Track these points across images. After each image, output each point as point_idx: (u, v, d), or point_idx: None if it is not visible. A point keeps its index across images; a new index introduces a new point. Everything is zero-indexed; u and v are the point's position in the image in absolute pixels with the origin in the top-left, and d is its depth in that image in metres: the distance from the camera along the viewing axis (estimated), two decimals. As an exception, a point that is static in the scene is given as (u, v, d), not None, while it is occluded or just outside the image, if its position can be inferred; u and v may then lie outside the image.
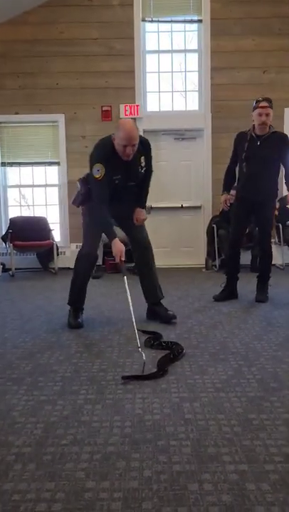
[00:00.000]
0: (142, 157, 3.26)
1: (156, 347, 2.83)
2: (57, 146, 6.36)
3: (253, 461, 1.63)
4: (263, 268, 4.19)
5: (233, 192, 5.82)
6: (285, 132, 4.00)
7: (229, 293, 4.17)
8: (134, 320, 2.85)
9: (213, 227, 6.11)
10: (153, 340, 2.89)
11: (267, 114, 3.78)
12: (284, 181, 3.94)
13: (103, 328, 3.35)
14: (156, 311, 3.48)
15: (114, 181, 3.16)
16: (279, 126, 5.92)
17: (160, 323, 3.40)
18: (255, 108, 3.84)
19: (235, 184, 4.17)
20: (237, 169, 4.12)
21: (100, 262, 5.67)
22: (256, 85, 6.10)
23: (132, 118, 3.25)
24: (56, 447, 1.74)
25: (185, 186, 6.33)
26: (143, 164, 3.28)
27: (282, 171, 3.95)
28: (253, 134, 3.89)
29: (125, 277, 3.02)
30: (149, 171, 3.38)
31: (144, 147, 3.28)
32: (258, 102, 3.83)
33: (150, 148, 3.36)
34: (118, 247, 3.08)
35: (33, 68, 6.16)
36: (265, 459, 1.64)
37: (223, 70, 6.17)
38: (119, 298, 4.36)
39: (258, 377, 2.38)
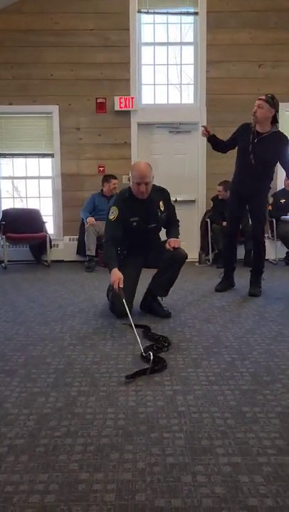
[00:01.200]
0: (161, 202, 3.45)
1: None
2: (51, 138, 6.31)
3: (246, 453, 1.63)
4: (256, 261, 4.22)
5: (219, 188, 5.86)
6: (285, 134, 4.00)
7: (228, 283, 4.31)
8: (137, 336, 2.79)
9: (207, 221, 6.11)
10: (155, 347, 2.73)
11: (259, 106, 3.82)
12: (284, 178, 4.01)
13: (96, 321, 3.34)
14: (152, 305, 3.48)
15: (132, 223, 3.36)
16: (274, 121, 5.95)
17: (154, 317, 3.40)
18: None
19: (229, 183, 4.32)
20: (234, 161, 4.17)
21: (93, 253, 5.67)
22: (252, 79, 6.10)
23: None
24: (49, 439, 1.73)
25: (179, 180, 6.31)
26: (162, 208, 3.45)
27: (283, 172, 4.12)
28: (254, 130, 3.92)
29: (124, 300, 3.03)
30: (173, 220, 3.56)
31: (163, 194, 3.49)
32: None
33: (169, 196, 3.53)
34: (116, 275, 3.15)
35: (27, 58, 6.10)
36: (258, 451, 1.64)
37: (218, 63, 6.15)
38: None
39: (251, 371, 2.38)
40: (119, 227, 3.34)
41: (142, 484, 1.46)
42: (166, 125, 6.36)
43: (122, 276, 3.15)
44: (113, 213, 3.35)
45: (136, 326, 2.92)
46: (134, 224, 3.37)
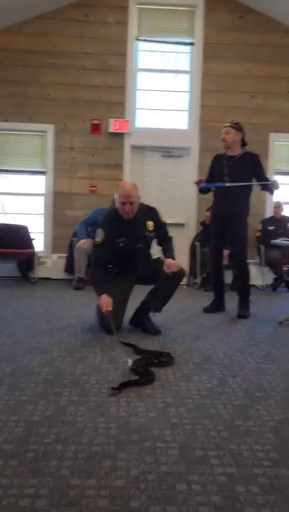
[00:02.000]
0: (150, 222, 3.42)
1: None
2: (44, 156, 6.35)
3: (241, 464, 1.60)
4: (242, 284, 4.27)
5: (207, 213, 5.94)
6: (256, 152, 4.22)
7: (218, 306, 4.32)
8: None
9: (196, 244, 6.15)
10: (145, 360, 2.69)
11: (226, 132, 4.11)
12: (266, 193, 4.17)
13: (85, 335, 3.30)
14: (144, 321, 3.45)
15: (119, 244, 3.34)
16: (264, 150, 6.12)
17: (143, 333, 3.38)
18: None
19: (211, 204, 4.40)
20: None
21: (82, 275, 5.62)
22: (244, 109, 6.27)
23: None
24: (39, 445, 1.68)
25: (170, 203, 6.35)
26: (151, 229, 3.42)
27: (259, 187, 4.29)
28: (226, 155, 4.17)
29: (111, 321, 3.06)
30: (166, 237, 3.55)
31: (152, 213, 3.47)
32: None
33: (158, 215, 3.51)
34: (105, 299, 3.17)
35: (25, 78, 6.18)
36: (253, 463, 1.61)
37: (212, 92, 6.32)
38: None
39: (243, 387, 2.36)
40: (106, 250, 3.36)
41: (135, 491, 1.42)
42: (159, 149, 6.46)
43: (110, 300, 3.15)
44: (99, 235, 3.36)
45: (127, 344, 2.92)
46: (121, 244, 3.35)
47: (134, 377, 2.39)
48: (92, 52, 6.23)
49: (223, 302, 4.34)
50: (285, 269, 6.00)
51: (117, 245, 3.35)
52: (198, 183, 4.33)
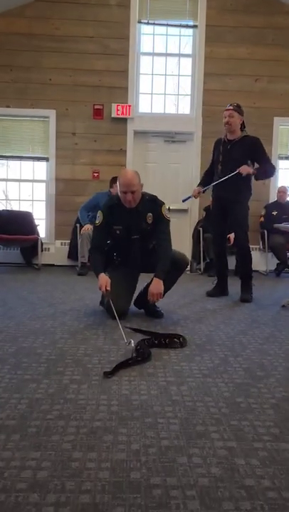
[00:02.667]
0: (150, 214, 3.27)
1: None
2: (46, 142, 6.33)
3: (241, 439, 1.61)
4: (243, 267, 4.26)
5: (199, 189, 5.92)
6: (256, 136, 4.14)
7: (221, 290, 4.31)
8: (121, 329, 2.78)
9: (199, 230, 6.14)
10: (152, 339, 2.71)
11: (229, 115, 4.05)
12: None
13: (88, 318, 3.31)
14: (147, 304, 3.40)
15: (116, 231, 3.29)
16: (268, 134, 6.07)
17: (146, 316, 3.39)
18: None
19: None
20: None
21: (86, 260, 5.62)
22: (247, 93, 6.20)
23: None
24: (41, 421, 1.69)
25: (173, 189, 6.33)
26: (150, 221, 3.28)
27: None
28: (225, 139, 4.14)
29: (111, 301, 3.07)
30: (163, 239, 3.26)
31: (154, 206, 3.29)
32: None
33: (161, 210, 3.29)
34: (103, 278, 3.15)
35: (27, 62, 6.14)
36: (253, 437, 1.62)
37: (215, 76, 6.25)
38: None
39: (244, 366, 2.37)
40: (104, 233, 3.33)
41: (136, 464, 1.43)
42: (161, 134, 6.43)
43: (108, 279, 3.13)
44: (99, 218, 3.33)
45: (137, 330, 2.94)
46: (118, 232, 3.30)
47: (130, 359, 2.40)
48: (94, 35, 6.16)
49: (226, 286, 4.33)
50: (288, 254, 5.99)
51: (114, 232, 3.31)
52: (196, 196, 4.44)
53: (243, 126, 4.12)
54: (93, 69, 6.19)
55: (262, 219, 6.16)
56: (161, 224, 3.30)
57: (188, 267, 6.01)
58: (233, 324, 3.26)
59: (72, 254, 6.03)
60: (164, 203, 3.35)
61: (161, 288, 3.12)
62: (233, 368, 2.34)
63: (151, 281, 3.20)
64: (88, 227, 5.56)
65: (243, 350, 2.66)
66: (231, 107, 4.11)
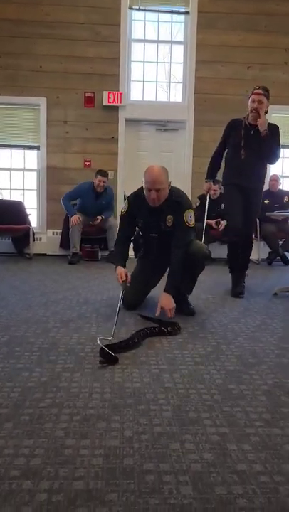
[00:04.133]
0: (171, 216, 3.03)
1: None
2: (37, 130, 6.26)
3: (233, 425, 1.62)
4: (245, 257, 3.96)
5: (215, 186, 5.90)
6: (276, 124, 3.81)
7: (238, 290, 3.86)
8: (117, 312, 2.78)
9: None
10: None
11: (259, 102, 3.66)
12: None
13: (80, 307, 3.31)
14: (179, 301, 3.17)
15: (138, 223, 3.19)
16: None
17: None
18: (250, 95, 3.75)
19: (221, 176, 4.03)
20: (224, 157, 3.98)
21: (77, 250, 5.62)
22: (240, 80, 6.16)
23: (159, 165, 3.04)
24: (34, 409, 1.69)
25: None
26: (170, 224, 3.05)
27: None
28: (247, 123, 3.75)
29: (123, 291, 3.06)
30: (178, 246, 3.01)
31: (177, 208, 3.02)
32: (254, 89, 3.75)
33: (184, 213, 3.01)
34: (120, 270, 3.07)
35: (17, 49, 6.04)
36: (245, 423, 1.64)
37: (207, 63, 6.21)
38: (96, 282, 4.33)
39: (236, 354, 2.38)
40: (128, 223, 3.20)
41: (129, 450, 1.44)
42: (153, 122, 6.38)
43: (124, 271, 3.06)
44: (125, 206, 3.21)
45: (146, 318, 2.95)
46: (140, 225, 3.20)
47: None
48: (85, 22, 6.08)
49: (243, 286, 3.93)
50: (280, 242, 6.01)
51: (137, 223, 3.21)
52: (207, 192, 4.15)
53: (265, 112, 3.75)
54: (84, 56, 6.11)
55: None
56: (181, 229, 3.02)
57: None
58: (225, 313, 3.27)
59: (64, 243, 6.00)
60: (190, 208, 3.08)
61: (172, 303, 2.95)
62: (226, 356, 2.35)
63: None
64: (76, 219, 5.54)
65: (235, 337, 2.67)
66: (261, 91, 3.68)
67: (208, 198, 4.72)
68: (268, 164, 3.98)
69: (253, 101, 3.69)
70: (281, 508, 1.20)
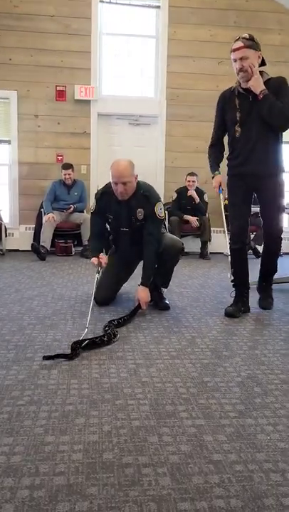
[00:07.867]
0: (141, 210, 3.06)
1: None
2: (8, 124, 6.17)
3: (209, 417, 1.67)
4: (269, 260, 3.25)
5: (190, 178, 5.94)
6: (282, 76, 2.94)
7: (243, 304, 3.16)
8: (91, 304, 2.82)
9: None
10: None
11: (243, 58, 2.78)
12: None
13: (55, 304, 3.31)
14: (153, 295, 3.21)
15: (108, 219, 3.21)
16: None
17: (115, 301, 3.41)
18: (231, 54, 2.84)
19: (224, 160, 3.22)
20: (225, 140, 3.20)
21: (48, 245, 5.57)
22: (211, 75, 6.21)
23: (125, 160, 3.11)
24: (12, 407, 1.70)
25: (138, 172, 6.31)
26: (140, 217, 3.08)
27: None
28: (241, 90, 2.91)
29: (97, 274, 3.11)
30: (151, 240, 3.06)
31: (146, 201, 3.05)
32: (233, 44, 2.82)
33: (153, 207, 3.05)
34: (93, 259, 3.13)
35: (-15, 41, 5.93)
36: (220, 415, 1.69)
37: (179, 58, 6.23)
38: (70, 277, 4.33)
39: (211, 347, 2.44)
40: (99, 220, 3.24)
41: (108, 445, 1.47)
42: (126, 117, 6.37)
43: (96, 260, 3.10)
44: (93, 205, 3.27)
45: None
46: (110, 220, 3.22)
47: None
48: (55, 14, 6.00)
49: (248, 299, 3.21)
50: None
51: (107, 219, 3.22)
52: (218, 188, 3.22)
53: (263, 63, 2.88)
54: (55, 49, 6.05)
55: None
56: (152, 223, 3.08)
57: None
58: (199, 306, 3.33)
59: (37, 239, 5.95)
60: (159, 200, 3.13)
61: (149, 296, 3.05)
62: (200, 349, 2.40)
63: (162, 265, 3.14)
64: (50, 217, 5.54)
65: (209, 331, 2.73)
66: (241, 43, 2.77)
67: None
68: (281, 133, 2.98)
69: (235, 60, 2.82)
70: (255, 495, 1.25)
